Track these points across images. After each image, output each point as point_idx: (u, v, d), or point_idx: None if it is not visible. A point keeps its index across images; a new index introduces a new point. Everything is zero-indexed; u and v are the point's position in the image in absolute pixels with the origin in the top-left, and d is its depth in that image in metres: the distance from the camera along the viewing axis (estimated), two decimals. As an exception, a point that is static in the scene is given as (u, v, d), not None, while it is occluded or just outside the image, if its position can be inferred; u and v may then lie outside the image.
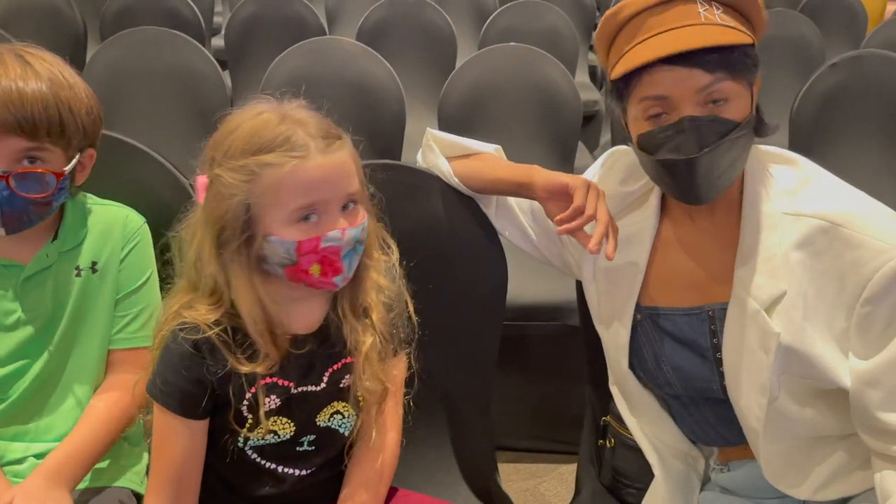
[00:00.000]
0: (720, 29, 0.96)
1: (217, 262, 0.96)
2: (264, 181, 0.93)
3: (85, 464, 1.11)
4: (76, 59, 3.08)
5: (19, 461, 1.14)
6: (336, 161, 0.95)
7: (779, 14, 3.29)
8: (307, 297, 1.03)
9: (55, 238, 1.15)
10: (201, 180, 1.01)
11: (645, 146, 1.01)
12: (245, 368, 0.97)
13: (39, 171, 1.05)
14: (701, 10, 0.97)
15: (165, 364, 1.00)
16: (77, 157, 1.11)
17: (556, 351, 1.95)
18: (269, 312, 0.98)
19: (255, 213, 0.94)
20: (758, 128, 1.05)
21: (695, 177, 0.97)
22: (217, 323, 0.98)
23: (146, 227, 1.21)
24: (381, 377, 1.04)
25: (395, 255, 1.11)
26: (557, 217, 1.07)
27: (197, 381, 0.98)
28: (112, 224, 1.19)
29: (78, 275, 1.16)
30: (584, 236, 1.05)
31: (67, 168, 1.09)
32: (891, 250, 0.93)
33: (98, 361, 1.18)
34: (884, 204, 1.02)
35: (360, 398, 1.05)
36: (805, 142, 2.25)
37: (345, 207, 0.97)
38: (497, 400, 1.38)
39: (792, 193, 1.02)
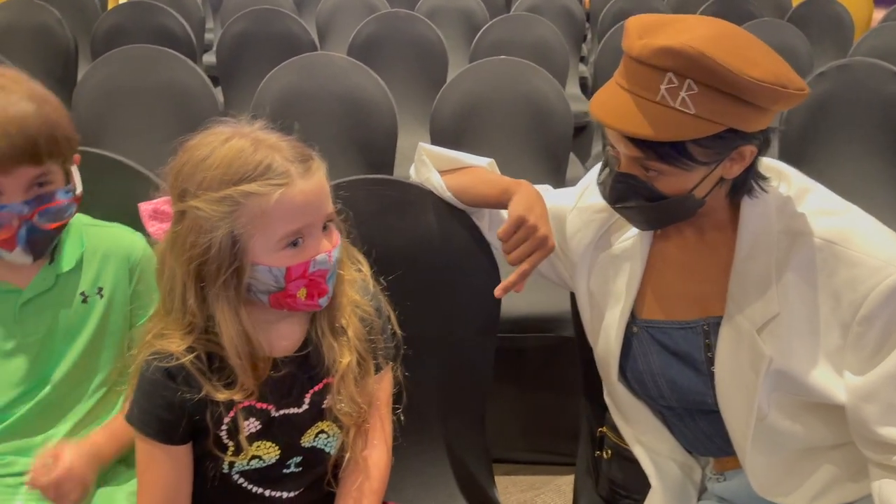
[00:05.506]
0: (663, 116, 0.90)
1: (199, 297, 0.94)
2: (249, 211, 0.90)
3: (120, 450, 1.12)
4: (67, 77, 3.08)
5: (23, 474, 1.12)
6: (317, 183, 0.95)
7: (767, 24, 3.33)
8: (285, 318, 1.02)
9: (52, 261, 1.13)
10: (145, 209, 0.98)
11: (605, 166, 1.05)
12: (222, 396, 0.96)
13: (58, 203, 1.05)
14: (663, 87, 0.89)
15: (141, 392, 0.99)
16: (73, 168, 1.09)
17: (551, 362, 1.95)
18: (252, 342, 0.96)
19: (242, 243, 0.92)
20: (753, 180, 1.01)
21: (625, 216, 1.05)
22: (191, 349, 0.96)
23: (150, 249, 1.18)
24: (358, 399, 1.03)
25: (366, 270, 1.09)
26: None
27: (172, 407, 0.97)
28: (115, 249, 1.17)
29: (84, 301, 1.14)
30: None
31: (77, 183, 1.08)
32: (886, 268, 0.93)
33: (105, 384, 1.17)
34: (874, 210, 1.01)
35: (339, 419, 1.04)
36: (795, 150, 2.27)
37: (324, 228, 0.96)
38: (493, 412, 1.37)
39: (785, 211, 1.01)
